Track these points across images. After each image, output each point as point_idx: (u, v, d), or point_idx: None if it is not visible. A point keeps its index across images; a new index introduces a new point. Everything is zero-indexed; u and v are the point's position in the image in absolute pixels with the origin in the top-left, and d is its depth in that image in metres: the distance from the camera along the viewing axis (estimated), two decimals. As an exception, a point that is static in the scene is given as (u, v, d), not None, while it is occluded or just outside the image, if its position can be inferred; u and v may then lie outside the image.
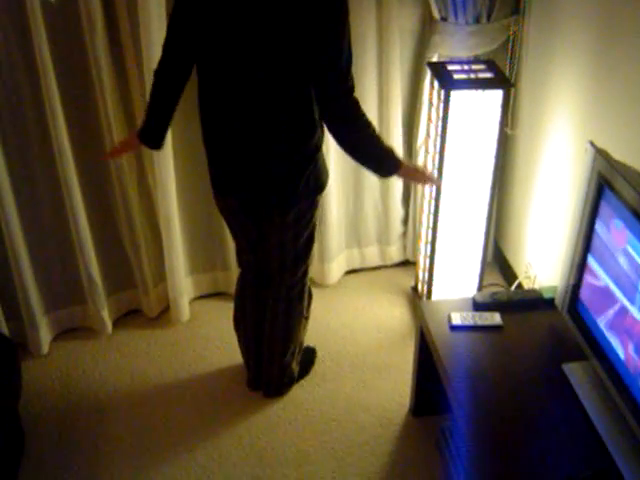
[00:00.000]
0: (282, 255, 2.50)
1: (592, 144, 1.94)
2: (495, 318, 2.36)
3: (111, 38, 2.64)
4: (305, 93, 2.15)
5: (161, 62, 2.29)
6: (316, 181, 2.33)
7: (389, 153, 2.25)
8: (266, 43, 2.06)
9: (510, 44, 2.97)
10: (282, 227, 2.40)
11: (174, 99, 2.35)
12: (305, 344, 2.84)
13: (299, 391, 2.82)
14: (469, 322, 2.35)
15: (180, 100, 2.36)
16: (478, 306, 2.42)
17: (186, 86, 2.33)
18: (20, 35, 2.52)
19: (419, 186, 3.17)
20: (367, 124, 2.19)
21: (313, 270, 2.68)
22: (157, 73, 2.32)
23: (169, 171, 2.85)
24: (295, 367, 2.79)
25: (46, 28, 2.50)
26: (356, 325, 3.17)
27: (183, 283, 3.14)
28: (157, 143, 2.43)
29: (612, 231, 1.88)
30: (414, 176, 2.48)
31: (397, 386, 2.82)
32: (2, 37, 2.52)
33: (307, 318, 2.73)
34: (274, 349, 2.66)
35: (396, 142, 3.12)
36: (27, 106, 2.66)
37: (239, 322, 2.75)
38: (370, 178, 3.22)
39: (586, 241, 2.03)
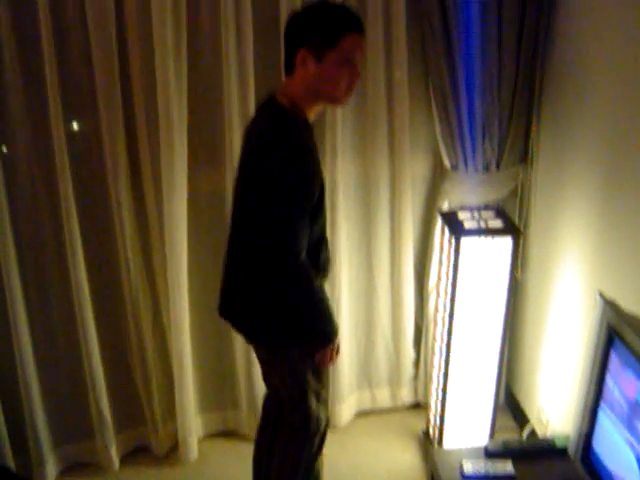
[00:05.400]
0: (280, 386, 2.40)
1: (601, 295, 1.97)
2: (507, 467, 2.34)
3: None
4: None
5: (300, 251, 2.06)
6: (284, 330, 2.20)
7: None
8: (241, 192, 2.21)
9: (519, 191, 3.06)
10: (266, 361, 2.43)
11: None
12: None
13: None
14: (481, 471, 2.31)
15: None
16: (490, 454, 2.39)
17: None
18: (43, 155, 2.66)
19: (430, 328, 3.19)
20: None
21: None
22: (306, 266, 2.09)
23: (184, 310, 2.89)
24: None
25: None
26: (367, 469, 3.11)
27: (193, 422, 3.11)
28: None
29: (623, 382, 1.88)
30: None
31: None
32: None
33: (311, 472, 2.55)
34: None
35: (408, 285, 3.17)
36: (47, 237, 2.76)
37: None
38: (381, 319, 3.25)
39: (598, 390, 2.03)
